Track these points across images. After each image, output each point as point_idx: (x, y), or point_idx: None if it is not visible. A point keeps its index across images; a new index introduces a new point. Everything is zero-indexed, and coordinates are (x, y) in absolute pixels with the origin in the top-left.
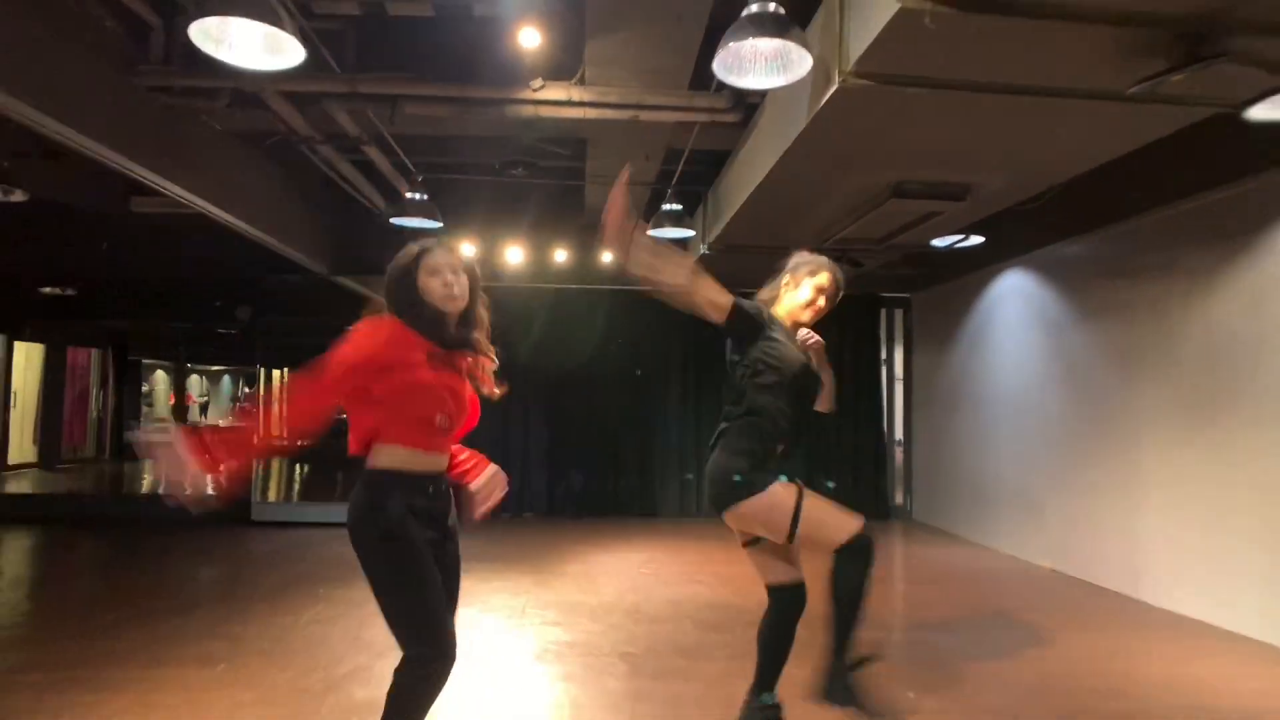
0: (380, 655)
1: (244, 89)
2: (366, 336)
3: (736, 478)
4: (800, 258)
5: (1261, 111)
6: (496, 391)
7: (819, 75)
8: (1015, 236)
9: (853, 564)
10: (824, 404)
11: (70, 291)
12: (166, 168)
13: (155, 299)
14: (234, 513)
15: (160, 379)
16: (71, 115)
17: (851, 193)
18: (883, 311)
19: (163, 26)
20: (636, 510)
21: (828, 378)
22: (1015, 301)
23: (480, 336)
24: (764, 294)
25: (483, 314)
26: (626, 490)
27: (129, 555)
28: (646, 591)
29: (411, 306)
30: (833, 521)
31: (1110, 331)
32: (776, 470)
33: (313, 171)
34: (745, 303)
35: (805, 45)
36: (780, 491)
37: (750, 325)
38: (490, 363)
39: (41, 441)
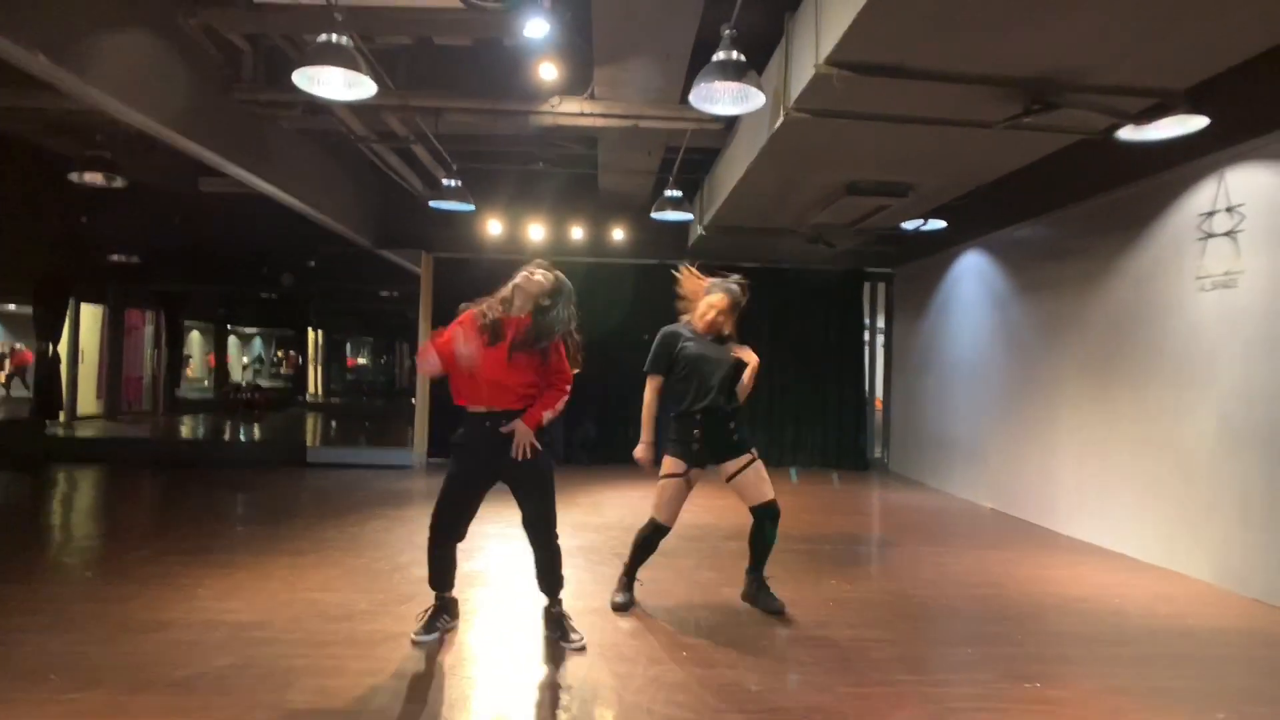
0: None
1: (316, 100)
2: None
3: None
4: (711, 283)
5: (1127, 134)
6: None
7: (774, 105)
8: (974, 220)
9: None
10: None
11: (135, 259)
12: (251, 163)
13: (207, 265)
14: (290, 455)
15: (195, 339)
16: (182, 126)
17: (815, 189)
18: (868, 284)
19: (251, 51)
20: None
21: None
22: (972, 278)
23: (530, 333)
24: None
25: (540, 322)
26: (635, 440)
27: (221, 487)
28: (643, 518)
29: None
30: (658, 501)
31: (1042, 304)
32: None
33: (362, 160)
34: (658, 355)
35: (759, 85)
36: (666, 463)
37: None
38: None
39: (105, 394)
